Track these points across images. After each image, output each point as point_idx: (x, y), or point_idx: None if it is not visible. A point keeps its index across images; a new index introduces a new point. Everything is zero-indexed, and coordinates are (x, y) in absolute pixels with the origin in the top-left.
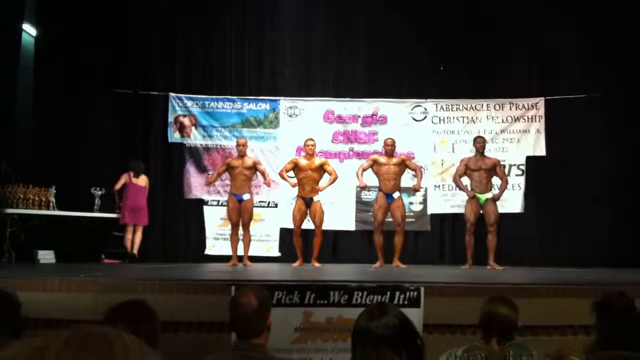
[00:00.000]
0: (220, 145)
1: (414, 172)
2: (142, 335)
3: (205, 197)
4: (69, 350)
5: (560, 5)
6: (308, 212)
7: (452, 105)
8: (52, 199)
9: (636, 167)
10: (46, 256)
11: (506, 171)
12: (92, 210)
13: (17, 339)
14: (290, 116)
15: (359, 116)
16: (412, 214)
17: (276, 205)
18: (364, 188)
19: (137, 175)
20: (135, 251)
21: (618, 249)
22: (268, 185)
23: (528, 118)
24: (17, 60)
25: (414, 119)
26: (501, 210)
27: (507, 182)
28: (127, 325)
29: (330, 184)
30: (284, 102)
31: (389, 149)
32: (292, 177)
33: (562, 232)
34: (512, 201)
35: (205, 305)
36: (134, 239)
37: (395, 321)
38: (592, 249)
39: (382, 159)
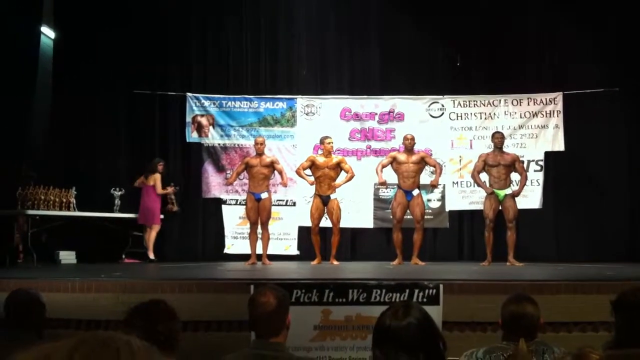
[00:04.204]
0: (238, 145)
1: (433, 169)
2: (162, 335)
3: (224, 196)
4: (75, 357)
5: None
6: (325, 210)
7: (469, 101)
8: (73, 200)
9: None
10: (67, 257)
11: (525, 167)
12: (112, 211)
13: (40, 340)
14: (307, 114)
15: (376, 113)
16: (430, 211)
17: (294, 204)
18: (383, 184)
19: (146, 177)
20: (148, 252)
21: (637, 244)
22: (284, 185)
23: (546, 113)
24: (36, 63)
25: (431, 116)
26: (520, 206)
27: (526, 178)
28: (147, 325)
29: (347, 181)
30: (301, 101)
31: (409, 144)
32: (310, 175)
33: (581, 227)
34: (530, 197)
35: (224, 305)
36: (146, 239)
37: (416, 323)
38: (611, 244)
39: (402, 157)
